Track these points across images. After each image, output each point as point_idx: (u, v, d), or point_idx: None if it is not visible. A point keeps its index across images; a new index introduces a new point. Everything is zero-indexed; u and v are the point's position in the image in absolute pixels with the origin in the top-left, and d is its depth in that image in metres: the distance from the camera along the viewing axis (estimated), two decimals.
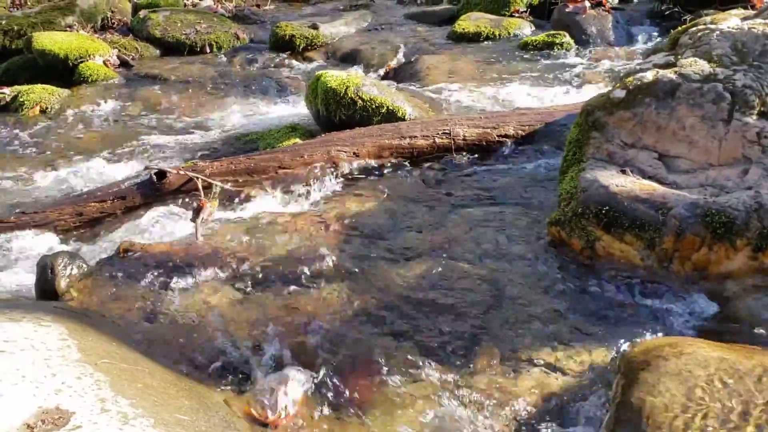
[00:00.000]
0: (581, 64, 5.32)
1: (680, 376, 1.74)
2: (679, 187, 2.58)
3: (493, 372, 2.07)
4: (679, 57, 3.03)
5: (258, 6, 8.21)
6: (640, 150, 2.76)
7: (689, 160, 2.70)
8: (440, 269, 2.58)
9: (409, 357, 2.14)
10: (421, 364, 2.11)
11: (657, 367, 1.79)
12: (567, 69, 5.22)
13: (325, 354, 2.14)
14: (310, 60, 6.13)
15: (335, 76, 4.11)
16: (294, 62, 6.07)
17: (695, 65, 2.88)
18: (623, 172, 2.65)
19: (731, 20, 3.19)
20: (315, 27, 6.41)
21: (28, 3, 7.75)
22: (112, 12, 7.05)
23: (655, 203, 2.46)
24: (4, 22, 6.40)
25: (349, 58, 6.05)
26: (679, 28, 3.39)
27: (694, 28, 3.22)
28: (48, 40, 5.76)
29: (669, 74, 2.85)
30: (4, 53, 6.20)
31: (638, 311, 2.29)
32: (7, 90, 5.28)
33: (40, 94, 5.19)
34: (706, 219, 2.35)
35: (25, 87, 5.29)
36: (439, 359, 2.13)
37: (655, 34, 5.93)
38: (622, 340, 2.15)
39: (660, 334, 2.16)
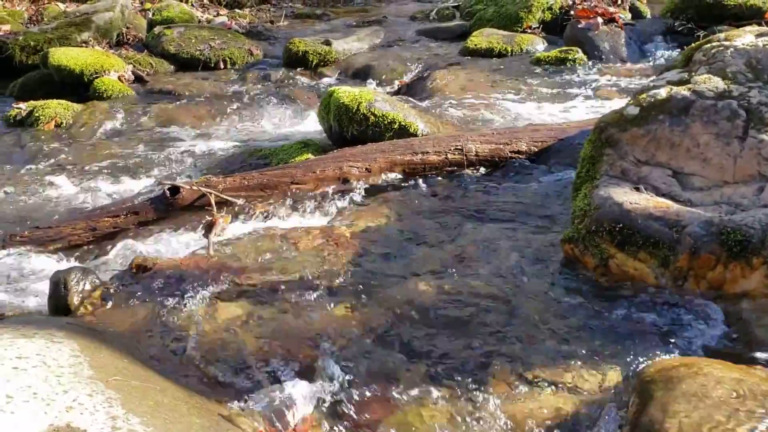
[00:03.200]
0: (594, 80, 5.32)
1: (696, 397, 1.71)
2: (693, 205, 2.56)
3: (506, 391, 2.05)
4: (693, 74, 3.01)
5: (271, 22, 8.28)
6: (653, 167, 2.74)
7: (704, 178, 2.68)
8: (453, 286, 2.56)
9: (422, 375, 2.12)
10: (433, 382, 2.09)
11: (672, 388, 1.76)
12: (580, 85, 5.22)
13: (336, 371, 2.13)
14: (323, 76, 6.16)
15: (348, 92, 4.13)
16: (307, 78, 6.10)
17: (709, 82, 2.87)
18: (637, 189, 2.64)
19: (746, 37, 3.18)
20: (328, 43, 6.44)
21: (45, 19, 7.85)
22: (128, 28, 7.13)
23: (669, 221, 2.44)
24: (21, 38, 6.47)
25: (361, 74, 6.07)
26: (693, 45, 3.38)
27: (707, 45, 3.21)
28: (64, 56, 5.82)
29: (683, 91, 2.84)
30: (20, 69, 6.26)
31: (653, 330, 2.26)
32: (23, 105, 5.33)
33: (55, 109, 5.24)
34: (722, 237, 2.33)
35: (40, 102, 5.34)
36: (451, 378, 2.11)
37: (669, 50, 5.92)
38: (636, 360, 2.12)
39: (675, 354, 2.13)
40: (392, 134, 3.95)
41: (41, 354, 1.87)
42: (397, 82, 5.76)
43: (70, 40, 6.48)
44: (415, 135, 3.96)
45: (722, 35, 3.31)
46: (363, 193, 3.46)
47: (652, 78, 3.74)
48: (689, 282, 2.38)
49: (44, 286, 2.75)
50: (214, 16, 8.36)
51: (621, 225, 2.48)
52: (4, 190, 4.07)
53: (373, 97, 4.10)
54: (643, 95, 2.92)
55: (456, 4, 8.31)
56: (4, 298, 2.85)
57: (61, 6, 8.52)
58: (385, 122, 3.98)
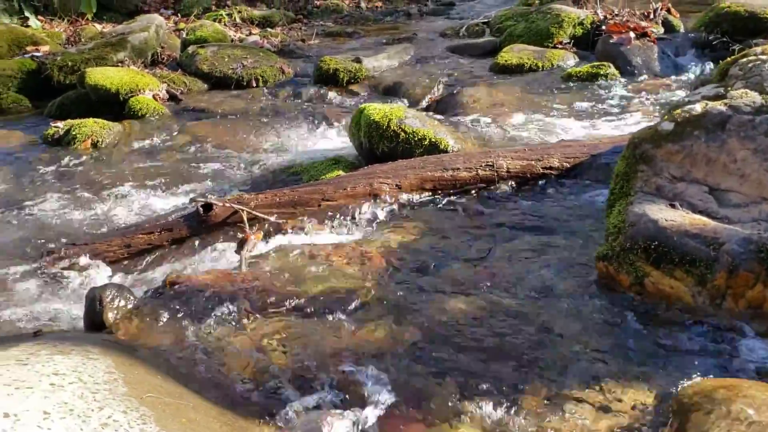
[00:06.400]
0: (627, 95, 5.27)
1: (738, 420, 1.67)
2: (731, 222, 2.52)
3: (540, 412, 2.02)
4: (729, 88, 2.97)
5: (303, 41, 8.36)
6: (689, 183, 2.70)
7: (741, 194, 2.63)
8: (485, 304, 2.54)
9: (454, 395, 2.10)
10: (466, 403, 2.07)
11: (712, 411, 1.72)
12: (612, 100, 5.18)
13: (368, 391, 2.12)
14: (354, 93, 6.19)
15: (378, 109, 4.15)
16: (337, 95, 6.14)
17: (746, 97, 2.82)
18: (672, 206, 2.60)
19: None
20: (358, 61, 6.48)
21: (82, 39, 8.04)
22: (162, 48, 7.26)
23: (706, 238, 2.40)
24: (59, 58, 6.63)
25: (391, 91, 6.09)
26: (728, 59, 3.34)
27: (743, 59, 3.17)
28: (100, 76, 5.94)
29: (719, 106, 2.80)
30: (58, 88, 6.41)
31: (690, 351, 2.22)
32: (60, 124, 5.45)
33: (91, 127, 5.33)
34: (761, 255, 2.28)
35: (77, 121, 5.45)
36: (485, 398, 2.08)
37: (703, 65, 5.84)
38: (673, 381, 2.07)
39: (713, 375, 2.08)
40: (422, 151, 3.96)
41: (77, 370, 1.89)
42: (427, 99, 5.77)
43: (107, 60, 6.61)
44: (445, 151, 3.95)
45: (758, 49, 3.27)
46: (394, 209, 3.46)
47: (686, 93, 3.70)
48: (727, 301, 2.34)
49: (80, 303, 2.79)
50: (247, 35, 8.47)
51: (656, 242, 2.45)
52: (41, 207, 4.15)
53: (403, 114, 4.12)
54: (678, 110, 2.88)
55: (486, 20, 8.32)
56: (41, 315, 2.90)
57: (98, 27, 8.72)
58: (416, 139, 3.99)
